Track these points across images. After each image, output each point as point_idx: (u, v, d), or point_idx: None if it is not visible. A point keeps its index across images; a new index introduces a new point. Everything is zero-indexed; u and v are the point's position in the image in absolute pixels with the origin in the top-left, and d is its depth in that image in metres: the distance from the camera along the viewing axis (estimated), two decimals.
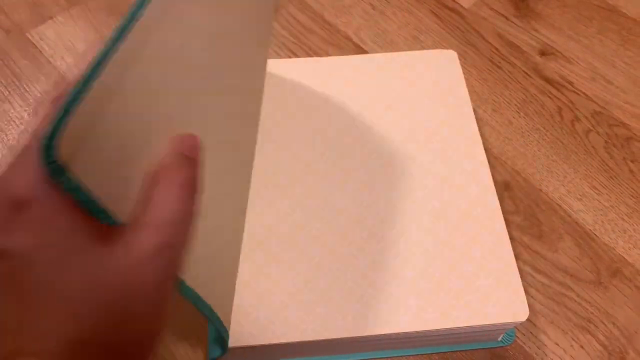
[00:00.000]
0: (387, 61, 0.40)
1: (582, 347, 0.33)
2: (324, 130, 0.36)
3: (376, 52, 0.45)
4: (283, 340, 0.29)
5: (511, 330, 0.33)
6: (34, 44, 0.45)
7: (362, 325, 0.29)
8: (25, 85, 0.42)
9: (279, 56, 0.44)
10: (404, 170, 0.35)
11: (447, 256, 0.32)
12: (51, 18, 0.46)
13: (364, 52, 0.45)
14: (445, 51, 0.40)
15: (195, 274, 0.21)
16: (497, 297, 0.30)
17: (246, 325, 0.29)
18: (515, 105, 0.43)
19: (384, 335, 0.29)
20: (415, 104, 0.38)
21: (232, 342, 0.28)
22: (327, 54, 0.45)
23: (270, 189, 0.34)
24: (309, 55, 0.44)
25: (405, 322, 0.30)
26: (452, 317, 0.30)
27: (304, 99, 0.38)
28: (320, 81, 0.39)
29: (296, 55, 0.44)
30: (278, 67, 0.40)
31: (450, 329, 0.30)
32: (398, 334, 0.29)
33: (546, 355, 0.33)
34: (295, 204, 0.33)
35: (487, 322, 0.30)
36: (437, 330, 0.30)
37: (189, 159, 0.19)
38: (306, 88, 0.38)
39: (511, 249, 0.32)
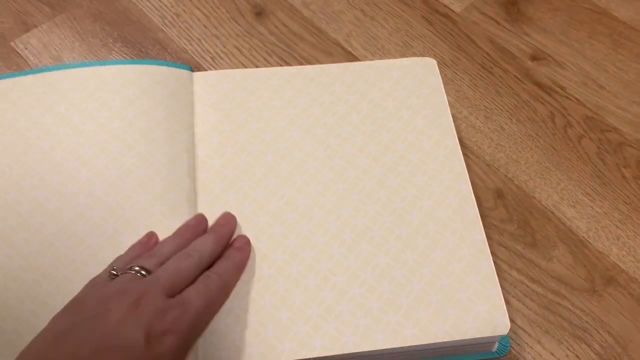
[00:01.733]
0: (364, 70, 0.40)
1: (577, 356, 0.33)
2: (299, 141, 0.36)
3: (367, 58, 0.45)
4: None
5: (506, 341, 0.33)
6: (18, 53, 0.44)
7: (341, 343, 0.29)
8: None
9: (268, 63, 0.44)
10: (382, 182, 0.35)
11: (426, 270, 0.31)
12: (36, 26, 0.45)
13: (354, 58, 0.45)
14: (424, 59, 0.40)
15: None
16: (477, 311, 0.30)
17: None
18: (507, 111, 0.43)
19: (363, 352, 0.29)
20: (392, 114, 0.38)
21: None
22: (317, 61, 0.44)
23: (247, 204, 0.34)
24: (299, 63, 0.44)
25: (383, 339, 0.29)
26: (432, 332, 0.29)
27: (281, 109, 0.38)
28: (297, 90, 0.38)
29: (286, 63, 0.44)
30: (267, 75, 0.39)
31: (431, 344, 0.29)
32: (376, 350, 0.29)
33: None
34: (274, 221, 0.33)
35: (467, 337, 0.30)
36: (417, 346, 0.29)
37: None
38: (283, 97, 0.38)
39: (492, 261, 0.32)
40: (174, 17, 0.47)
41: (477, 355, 0.33)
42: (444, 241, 0.32)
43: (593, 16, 0.48)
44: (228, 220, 0.32)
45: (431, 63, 0.40)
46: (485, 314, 0.30)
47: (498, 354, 0.33)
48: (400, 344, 0.29)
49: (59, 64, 0.43)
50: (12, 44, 0.44)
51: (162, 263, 0.28)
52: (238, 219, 0.33)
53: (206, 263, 0.30)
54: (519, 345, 0.33)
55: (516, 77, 0.45)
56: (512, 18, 0.48)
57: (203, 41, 0.45)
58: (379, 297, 0.30)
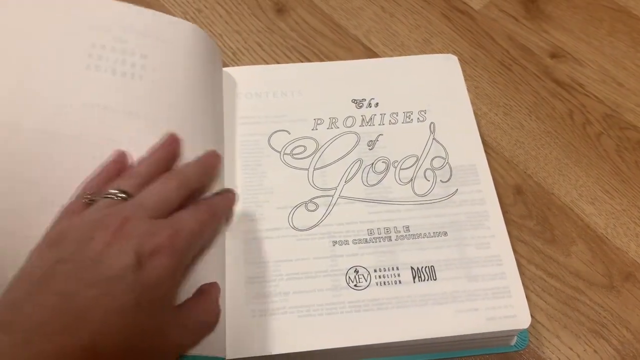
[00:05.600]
0: (385, 66, 0.40)
1: (595, 351, 0.33)
2: (321, 137, 0.37)
3: (387, 54, 0.45)
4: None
5: (525, 335, 0.33)
6: None
7: (366, 334, 0.30)
8: None
9: (289, 59, 0.44)
10: (402, 177, 0.35)
11: (448, 264, 0.32)
12: None
13: (374, 55, 0.45)
14: (446, 55, 0.40)
15: None
16: (498, 304, 0.31)
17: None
18: (527, 108, 0.43)
19: (384, 344, 0.30)
20: (414, 110, 0.38)
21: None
22: (337, 57, 0.45)
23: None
24: (319, 59, 0.44)
25: (403, 331, 0.30)
26: (454, 325, 0.30)
27: (302, 105, 0.38)
28: (319, 86, 0.39)
29: (306, 59, 0.44)
30: (289, 71, 0.40)
31: (452, 337, 0.30)
32: (396, 342, 0.30)
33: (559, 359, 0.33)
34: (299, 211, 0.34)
35: (488, 330, 0.30)
36: (437, 339, 0.30)
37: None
38: (305, 93, 0.39)
39: (513, 256, 0.32)
40: (196, 12, 0.47)
41: (495, 349, 0.33)
42: (465, 235, 0.33)
43: (612, 14, 0.49)
44: (214, 156, 0.30)
45: (453, 59, 0.40)
46: (506, 308, 0.31)
47: (516, 347, 0.33)
48: (421, 336, 0.29)
49: None
50: None
51: (141, 185, 0.26)
52: (257, 217, 0.33)
53: (192, 188, 0.27)
54: (537, 339, 0.34)
55: (535, 74, 0.45)
56: (531, 15, 0.48)
57: (224, 37, 0.46)
58: (399, 289, 0.31)
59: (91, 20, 0.32)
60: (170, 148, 0.29)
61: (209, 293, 0.28)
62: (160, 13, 0.34)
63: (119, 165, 0.28)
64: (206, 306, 0.27)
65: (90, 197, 0.26)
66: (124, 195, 0.25)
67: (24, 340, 0.20)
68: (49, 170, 0.28)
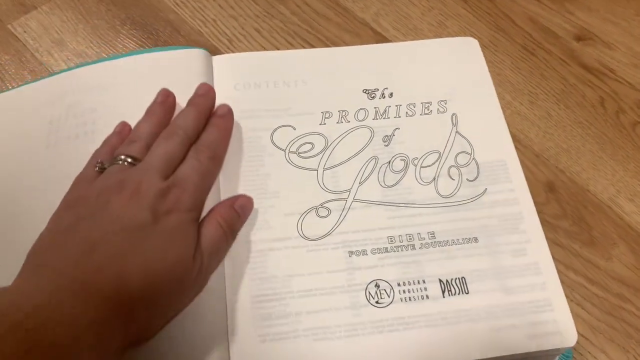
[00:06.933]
0: (399, 51, 0.36)
1: None
2: (330, 133, 0.33)
3: (398, 39, 0.41)
4: None
5: (568, 351, 0.30)
6: (16, 37, 0.40)
7: (391, 358, 0.26)
8: (8, 84, 0.38)
9: (291, 46, 0.40)
10: (424, 176, 0.31)
11: (481, 275, 0.28)
12: (35, 8, 0.42)
13: (384, 39, 0.41)
14: (465, 39, 0.36)
15: None
16: (540, 320, 0.27)
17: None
18: (554, 96, 0.39)
19: None
20: (436, 96, 0.34)
21: None
22: (344, 43, 0.40)
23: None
24: (325, 44, 0.40)
25: (434, 353, 0.26)
26: (490, 345, 0.26)
27: (306, 95, 0.34)
28: (326, 73, 0.35)
29: (311, 45, 0.40)
30: (291, 57, 0.36)
31: (489, 359, 0.26)
32: None
33: None
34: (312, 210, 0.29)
35: (530, 350, 0.26)
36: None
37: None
38: (309, 82, 0.34)
39: (553, 262, 0.28)
40: None
41: None
42: (498, 241, 0.29)
43: None
44: (207, 91, 0.31)
45: (473, 43, 0.36)
46: (548, 323, 0.27)
47: None
48: (464, 358, 0.26)
49: (80, 63, 0.39)
50: (9, 27, 0.40)
51: (145, 146, 0.28)
52: (262, 226, 0.29)
53: (192, 138, 0.29)
54: (581, 355, 0.30)
55: (561, 59, 0.41)
56: None
57: (219, 22, 0.41)
58: (427, 305, 0.27)
59: (46, 98, 0.33)
60: (164, 105, 0.31)
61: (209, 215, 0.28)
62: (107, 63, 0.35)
63: (123, 136, 0.30)
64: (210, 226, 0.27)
65: (101, 164, 0.28)
66: (131, 160, 0.27)
67: (52, 281, 0.21)
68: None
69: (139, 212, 0.24)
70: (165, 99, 0.31)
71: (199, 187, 0.27)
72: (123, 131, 0.30)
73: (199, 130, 0.30)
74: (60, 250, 0.23)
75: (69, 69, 0.36)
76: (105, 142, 0.30)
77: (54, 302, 0.20)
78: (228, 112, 0.31)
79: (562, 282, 0.32)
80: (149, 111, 0.31)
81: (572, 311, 0.31)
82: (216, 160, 0.29)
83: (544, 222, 0.34)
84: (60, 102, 0.33)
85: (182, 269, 0.24)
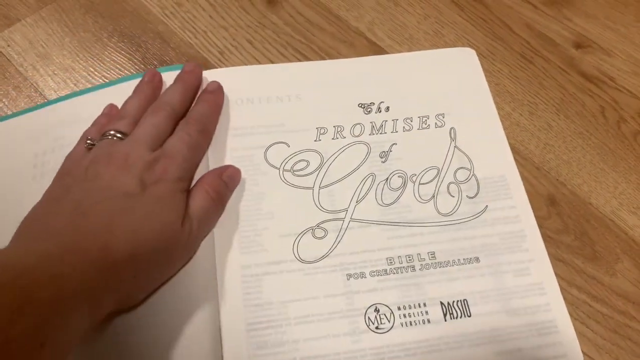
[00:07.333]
0: (395, 62, 0.35)
1: None
2: (326, 149, 0.32)
3: (394, 49, 0.40)
4: None
5: None
6: None
7: None
8: None
9: (284, 57, 0.39)
10: (423, 194, 0.30)
11: (484, 296, 0.27)
12: (19, 20, 0.40)
13: (380, 49, 0.40)
14: (462, 49, 0.36)
15: None
16: (545, 342, 0.26)
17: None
18: (554, 106, 0.38)
19: None
20: (433, 110, 0.33)
21: None
22: (339, 54, 0.39)
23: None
24: (319, 56, 0.39)
25: None
26: None
27: (304, 109, 0.33)
28: (321, 87, 0.34)
29: (305, 56, 0.39)
30: (284, 71, 0.35)
31: None
32: None
33: None
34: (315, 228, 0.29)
35: None
36: None
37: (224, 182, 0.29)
38: (304, 96, 0.33)
39: (556, 282, 0.28)
40: (176, 6, 0.41)
41: None
42: (500, 260, 0.28)
43: None
44: (193, 68, 0.33)
45: (470, 53, 0.35)
46: (554, 345, 0.26)
47: None
48: None
49: (71, 92, 0.38)
50: None
51: (133, 122, 0.29)
52: (256, 248, 0.28)
53: (179, 113, 0.30)
54: None
55: (560, 67, 0.40)
56: (550, 1, 0.43)
57: (210, 33, 0.40)
58: (428, 330, 0.26)
59: (31, 132, 0.33)
60: (151, 83, 0.32)
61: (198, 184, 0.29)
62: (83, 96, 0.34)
63: (111, 116, 0.31)
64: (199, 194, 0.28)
65: (90, 141, 0.29)
66: (120, 135, 0.28)
67: (41, 246, 0.22)
68: None
69: (127, 181, 0.25)
70: (152, 77, 0.32)
71: (187, 159, 0.28)
72: (111, 112, 0.31)
73: (186, 106, 0.31)
74: (50, 218, 0.24)
75: (54, 101, 0.35)
76: (94, 122, 0.31)
77: (43, 265, 0.20)
78: (218, 88, 0.32)
79: (565, 299, 0.31)
80: (136, 90, 0.32)
81: (576, 330, 0.30)
82: (205, 134, 0.30)
83: (545, 237, 0.33)
84: (44, 137, 0.32)
85: (170, 234, 0.25)
